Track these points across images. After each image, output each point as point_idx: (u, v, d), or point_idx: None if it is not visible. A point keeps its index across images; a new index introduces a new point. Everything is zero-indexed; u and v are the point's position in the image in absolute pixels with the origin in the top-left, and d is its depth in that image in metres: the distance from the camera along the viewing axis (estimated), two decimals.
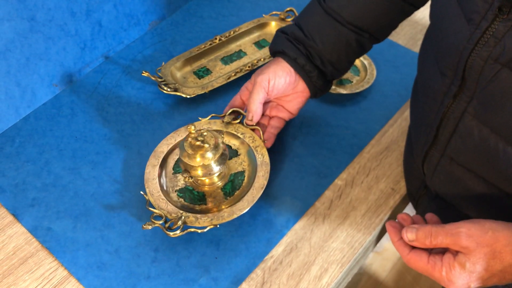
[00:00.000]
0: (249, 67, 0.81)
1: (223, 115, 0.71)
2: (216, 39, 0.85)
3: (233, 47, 0.86)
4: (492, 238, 0.45)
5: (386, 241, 1.45)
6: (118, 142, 0.74)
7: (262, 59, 0.82)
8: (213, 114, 0.71)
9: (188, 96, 0.76)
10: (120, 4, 0.82)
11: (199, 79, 0.81)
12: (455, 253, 0.47)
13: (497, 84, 0.46)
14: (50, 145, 0.73)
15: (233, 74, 0.80)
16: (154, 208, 0.62)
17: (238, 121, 0.70)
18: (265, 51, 0.85)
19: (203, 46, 0.84)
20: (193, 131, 0.61)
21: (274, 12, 0.89)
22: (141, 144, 0.73)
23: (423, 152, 0.59)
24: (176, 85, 0.77)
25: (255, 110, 0.67)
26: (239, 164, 0.69)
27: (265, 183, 0.64)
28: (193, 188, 0.67)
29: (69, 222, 0.66)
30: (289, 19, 0.89)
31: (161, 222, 0.60)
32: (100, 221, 0.66)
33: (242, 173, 0.68)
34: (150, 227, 0.60)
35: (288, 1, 0.95)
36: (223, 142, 0.64)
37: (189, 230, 0.61)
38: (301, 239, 0.65)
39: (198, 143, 0.61)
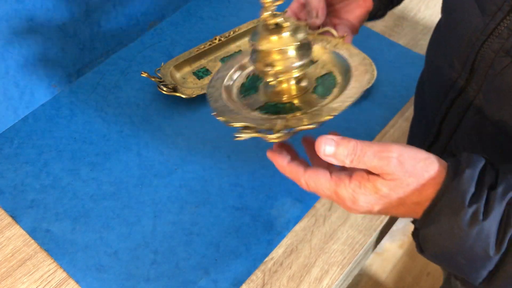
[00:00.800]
0: None
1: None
2: (215, 39, 0.84)
3: (232, 47, 0.86)
4: (423, 169, 0.40)
5: (386, 242, 1.44)
6: (118, 143, 0.73)
7: None
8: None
9: (187, 97, 0.76)
10: (119, 4, 0.82)
11: (199, 79, 0.81)
12: (371, 173, 0.41)
13: (505, 78, 0.46)
14: (49, 146, 0.73)
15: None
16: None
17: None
18: None
19: (202, 47, 0.83)
20: (268, 1, 0.46)
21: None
22: (141, 145, 0.73)
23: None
24: (176, 85, 0.77)
25: (317, 3, 0.57)
26: (321, 67, 0.56)
27: (373, 67, 0.52)
28: (277, 102, 0.53)
29: (68, 224, 0.65)
30: None
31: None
32: (99, 223, 0.65)
33: (329, 74, 0.55)
34: (244, 136, 0.47)
35: (288, 1, 0.95)
36: (305, 30, 0.50)
37: (295, 130, 0.46)
38: (302, 241, 0.64)
39: (273, 23, 0.48)
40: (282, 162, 0.46)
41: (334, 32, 0.56)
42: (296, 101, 0.51)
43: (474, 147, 0.53)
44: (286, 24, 0.47)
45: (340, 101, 0.47)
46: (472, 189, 0.38)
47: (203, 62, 0.83)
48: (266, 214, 0.66)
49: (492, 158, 0.51)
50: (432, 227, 0.39)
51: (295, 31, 0.48)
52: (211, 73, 0.81)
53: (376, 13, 0.63)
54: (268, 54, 0.48)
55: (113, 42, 0.85)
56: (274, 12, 0.47)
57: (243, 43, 0.86)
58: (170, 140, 0.74)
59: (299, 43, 0.48)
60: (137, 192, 0.68)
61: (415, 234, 0.43)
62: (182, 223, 0.65)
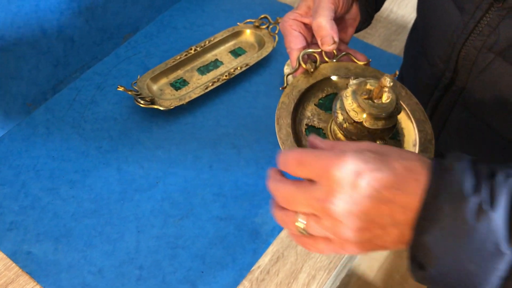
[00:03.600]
0: (226, 76, 0.80)
1: (294, 70, 0.54)
2: (191, 49, 0.84)
3: (209, 56, 0.86)
4: (398, 162, 0.36)
5: None
6: (97, 159, 0.72)
7: (238, 68, 0.82)
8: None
9: (165, 109, 0.75)
10: (92, 19, 0.81)
11: (176, 90, 0.80)
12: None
13: (489, 74, 0.46)
14: (27, 166, 0.72)
15: (210, 84, 0.79)
16: None
17: (318, 63, 0.54)
18: (241, 59, 0.85)
19: (178, 57, 0.83)
20: (388, 85, 0.43)
21: (248, 20, 0.89)
22: (120, 160, 0.72)
23: None
24: (153, 98, 0.76)
25: (331, 28, 0.51)
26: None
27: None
28: (325, 138, 0.52)
29: (50, 244, 0.64)
30: (263, 26, 0.88)
31: None
32: (81, 242, 0.64)
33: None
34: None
35: (262, 8, 0.95)
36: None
37: None
38: (287, 247, 0.64)
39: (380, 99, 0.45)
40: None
41: (353, 57, 0.55)
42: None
43: (463, 145, 0.53)
44: (390, 99, 0.45)
45: None
46: (468, 178, 0.34)
47: (179, 73, 0.83)
48: (250, 223, 0.66)
49: (482, 155, 0.52)
50: (433, 230, 0.34)
51: (397, 107, 0.46)
52: (188, 83, 0.81)
53: (363, 25, 0.63)
54: (366, 132, 0.46)
55: (87, 57, 0.84)
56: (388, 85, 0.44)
57: (219, 52, 0.86)
58: (150, 153, 0.73)
59: (396, 123, 0.47)
60: (119, 208, 0.67)
61: (411, 252, 0.36)
62: (166, 237, 0.64)
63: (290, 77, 0.55)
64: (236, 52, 0.86)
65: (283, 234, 0.65)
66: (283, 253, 0.64)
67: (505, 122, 0.47)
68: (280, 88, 0.53)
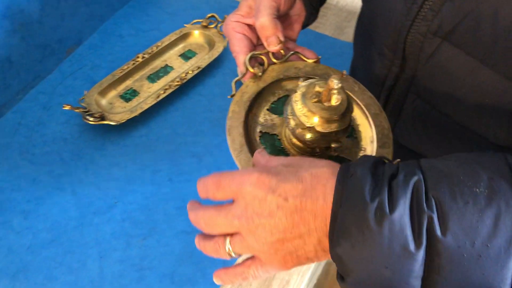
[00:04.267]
0: (177, 81, 0.77)
1: (242, 75, 0.52)
2: (138, 57, 0.80)
3: (158, 63, 0.82)
4: (305, 169, 0.37)
5: None
6: (49, 185, 0.68)
7: (190, 71, 0.79)
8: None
9: (117, 123, 0.71)
10: (29, 35, 0.76)
11: (127, 102, 0.76)
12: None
13: (438, 59, 0.45)
14: None
15: (162, 92, 0.76)
16: None
17: (266, 65, 0.52)
18: (192, 62, 0.82)
19: (126, 67, 0.79)
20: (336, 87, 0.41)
21: (195, 21, 0.86)
22: (74, 183, 0.68)
23: None
24: (103, 113, 0.73)
25: (275, 27, 0.49)
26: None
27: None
28: (281, 145, 0.50)
29: (7, 282, 0.60)
30: (211, 26, 0.85)
31: None
32: (41, 275, 0.60)
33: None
34: None
35: (209, 7, 0.92)
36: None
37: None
38: None
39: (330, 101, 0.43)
40: None
41: (304, 57, 0.53)
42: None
43: (420, 133, 0.52)
44: (341, 101, 0.43)
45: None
46: (368, 182, 0.34)
47: (129, 83, 0.79)
48: None
49: (439, 144, 0.51)
50: (342, 241, 0.34)
51: (349, 107, 0.44)
52: (139, 93, 0.77)
53: (309, 20, 0.61)
54: (319, 135, 0.45)
55: (29, 77, 0.79)
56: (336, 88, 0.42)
57: (168, 57, 0.83)
58: (105, 172, 0.69)
59: (350, 123, 0.45)
60: (78, 235, 0.63)
61: (337, 267, 0.37)
62: (131, 259, 0.61)
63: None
64: (186, 55, 0.83)
65: None
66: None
67: (458, 107, 0.46)
68: (229, 97, 0.51)
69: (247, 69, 0.51)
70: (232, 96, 0.50)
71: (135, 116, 0.73)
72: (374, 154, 0.49)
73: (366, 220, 0.33)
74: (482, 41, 0.41)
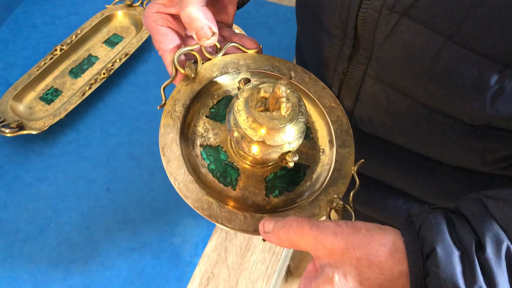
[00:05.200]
0: (104, 73, 0.68)
1: (171, 78, 0.43)
2: (56, 50, 0.70)
3: (80, 53, 0.72)
4: (367, 237, 0.33)
5: None
6: None
7: (118, 60, 0.69)
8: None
9: (39, 131, 0.62)
10: None
11: (49, 104, 0.67)
12: (318, 268, 0.35)
13: (398, 38, 0.38)
14: None
15: (87, 88, 0.66)
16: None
17: (200, 63, 0.44)
18: (120, 48, 0.72)
19: (43, 63, 0.69)
20: (282, 92, 0.35)
21: (117, 0, 0.75)
22: None
23: None
24: (21, 122, 0.63)
25: (204, 16, 0.40)
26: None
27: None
28: (228, 158, 0.43)
29: None
30: (136, 4, 0.75)
31: None
32: None
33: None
34: None
35: None
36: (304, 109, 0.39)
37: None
38: (216, 263, 0.56)
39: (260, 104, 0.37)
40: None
41: (243, 48, 0.46)
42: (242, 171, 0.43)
43: (383, 119, 0.46)
44: (291, 108, 0.37)
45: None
46: (458, 267, 0.30)
47: (48, 81, 0.69)
48: (168, 246, 0.57)
49: (405, 128, 0.44)
50: None
51: (303, 111, 0.38)
52: (62, 92, 0.68)
53: (243, 2, 0.53)
54: (270, 148, 0.38)
55: None
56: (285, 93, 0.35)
57: (92, 45, 0.73)
58: (33, 190, 0.60)
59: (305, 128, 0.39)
60: (8, 268, 0.55)
61: None
62: None
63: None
64: (111, 41, 0.73)
65: (208, 249, 0.57)
66: (212, 271, 0.55)
67: (425, 90, 0.39)
68: (158, 107, 0.42)
69: (176, 71, 0.42)
70: (162, 106, 0.42)
71: (60, 120, 0.64)
72: (334, 157, 0.42)
73: None
74: (451, 14, 0.34)
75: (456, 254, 0.30)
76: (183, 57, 0.43)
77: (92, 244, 0.57)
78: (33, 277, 0.55)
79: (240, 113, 0.37)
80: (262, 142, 0.37)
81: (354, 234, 0.33)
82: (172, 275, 0.55)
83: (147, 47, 0.73)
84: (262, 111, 0.36)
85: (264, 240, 0.38)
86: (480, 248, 0.30)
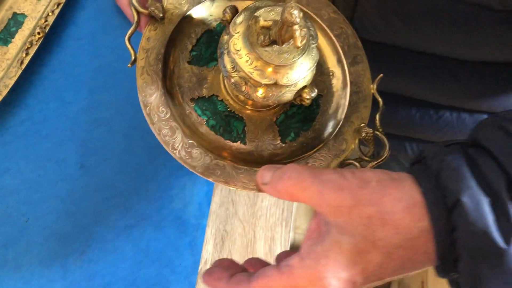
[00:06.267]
0: (39, 32, 0.57)
1: (135, 24, 0.35)
2: None
3: (2, 14, 0.60)
4: (378, 191, 0.29)
5: None
6: None
7: (50, 13, 0.58)
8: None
9: None
10: None
11: None
12: (323, 227, 0.29)
13: None
14: None
15: (24, 55, 0.56)
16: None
17: None
18: None
19: None
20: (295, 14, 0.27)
21: None
22: None
23: None
24: None
25: None
26: None
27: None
28: (227, 108, 0.36)
29: None
30: None
31: None
32: None
33: None
34: None
35: None
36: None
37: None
38: (227, 219, 0.50)
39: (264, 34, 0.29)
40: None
41: None
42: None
43: (389, 19, 0.39)
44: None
45: None
46: (490, 217, 0.26)
47: None
48: (169, 213, 0.51)
49: (418, 29, 0.38)
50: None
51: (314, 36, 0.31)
52: None
53: None
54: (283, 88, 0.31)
55: None
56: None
57: (15, 2, 0.60)
58: None
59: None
60: None
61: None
62: (76, 284, 0.48)
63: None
64: None
65: (213, 206, 0.51)
66: (225, 229, 0.50)
67: None
68: (129, 65, 0.34)
69: (138, 14, 0.34)
70: (134, 63, 0.34)
71: (4, 99, 0.54)
72: (347, 78, 0.35)
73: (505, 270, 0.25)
74: None
75: (486, 202, 0.26)
76: None
77: (83, 231, 0.50)
78: (27, 284, 0.48)
79: (239, 54, 0.29)
80: (273, 84, 0.29)
81: (364, 188, 0.29)
82: (182, 244, 0.49)
83: None
84: (267, 45, 0.29)
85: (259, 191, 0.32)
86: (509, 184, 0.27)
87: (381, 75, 0.35)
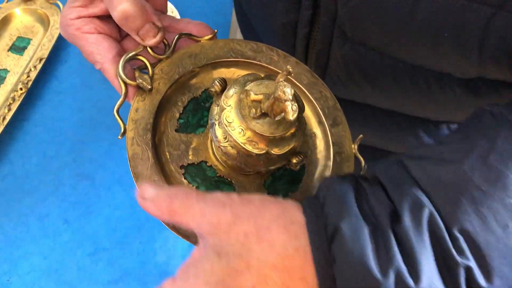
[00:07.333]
0: (22, 88, 0.58)
1: (123, 96, 0.35)
2: None
3: None
4: (258, 208, 0.27)
5: None
6: None
7: (32, 68, 0.59)
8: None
9: None
10: None
11: None
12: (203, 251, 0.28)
13: None
14: None
15: (7, 110, 0.56)
16: None
17: (151, 69, 0.36)
18: (30, 53, 0.62)
19: None
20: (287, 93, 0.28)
21: None
22: None
23: None
24: None
25: (142, 11, 0.33)
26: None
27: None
28: (216, 174, 0.37)
29: None
30: None
31: None
32: None
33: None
34: None
35: None
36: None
37: None
38: None
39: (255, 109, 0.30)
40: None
41: (195, 37, 0.38)
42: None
43: (358, 82, 0.41)
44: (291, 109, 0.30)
45: None
46: (368, 246, 0.24)
47: None
48: (153, 267, 0.51)
49: (385, 89, 0.40)
50: None
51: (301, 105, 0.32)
52: None
53: None
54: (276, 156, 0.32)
55: None
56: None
57: None
58: None
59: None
60: None
61: None
62: None
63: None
64: (17, 47, 0.62)
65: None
66: None
67: (406, 46, 0.35)
68: (119, 137, 0.35)
69: (126, 85, 0.35)
70: (123, 134, 0.35)
71: None
72: (330, 140, 0.37)
73: None
74: None
75: (366, 230, 0.25)
76: (129, 67, 0.36)
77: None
78: None
79: (232, 126, 0.30)
80: (265, 153, 0.31)
81: (245, 205, 0.28)
82: None
83: (62, 45, 0.63)
84: (259, 117, 0.30)
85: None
86: (398, 219, 0.25)
87: (361, 135, 0.37)
